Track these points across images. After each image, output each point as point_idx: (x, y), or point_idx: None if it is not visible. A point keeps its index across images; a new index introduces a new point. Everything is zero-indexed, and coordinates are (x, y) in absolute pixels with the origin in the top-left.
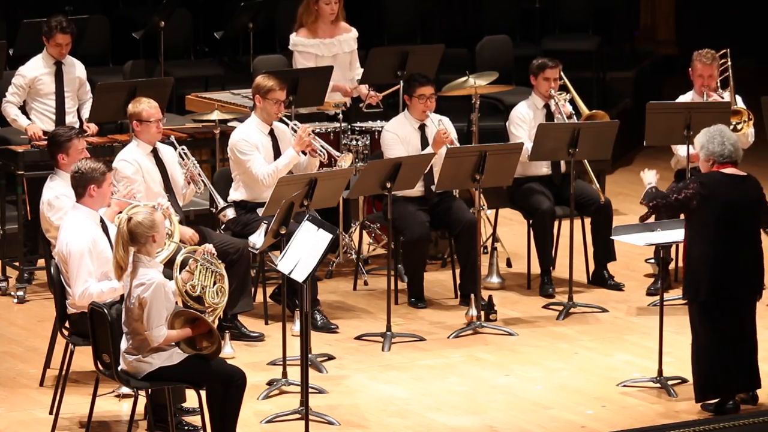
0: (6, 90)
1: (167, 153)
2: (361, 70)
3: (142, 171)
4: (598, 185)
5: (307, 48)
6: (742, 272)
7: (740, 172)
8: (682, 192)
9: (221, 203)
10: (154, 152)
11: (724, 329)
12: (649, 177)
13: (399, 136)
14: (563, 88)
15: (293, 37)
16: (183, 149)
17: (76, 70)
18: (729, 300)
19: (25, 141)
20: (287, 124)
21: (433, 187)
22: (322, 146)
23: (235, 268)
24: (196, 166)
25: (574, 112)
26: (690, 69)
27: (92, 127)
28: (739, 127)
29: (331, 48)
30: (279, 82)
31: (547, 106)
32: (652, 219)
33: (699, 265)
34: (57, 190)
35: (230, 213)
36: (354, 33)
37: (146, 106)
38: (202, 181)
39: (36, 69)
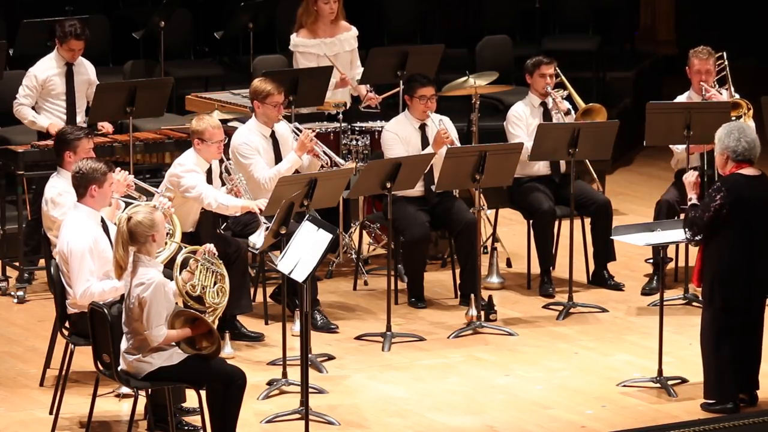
0: (6, 90)
1: (214, 167)
2: (362, 69)
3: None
4: (599, 185)
5: (308, 48)
6: (760, 275)
7: (756, 172)
8: (710, 208)
9: (263, 221)
10: (209, 171)
11: (735, 331)
12: (690, 186)
13: (399, 136)
14: (560, 85)
15: (294, 38)
16: (229, 164)
17: (87, 70)
18: (746, 303)
19: (26, 141)
20: (288, 125)
21: (433, 188)
22: (324, 152)
23: (233, 268)
24: (242, 182)
25: (571, 108)
26: (687, 67)
27: (107, 126)
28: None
29: (332, 47)
30: (276, 85)
31: (544, 104)
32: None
33: (721, 269)
34: (60, 188)
35: (258, 242)
36: (354, 32)
37: (209, 126)
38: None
39: (47, 69)
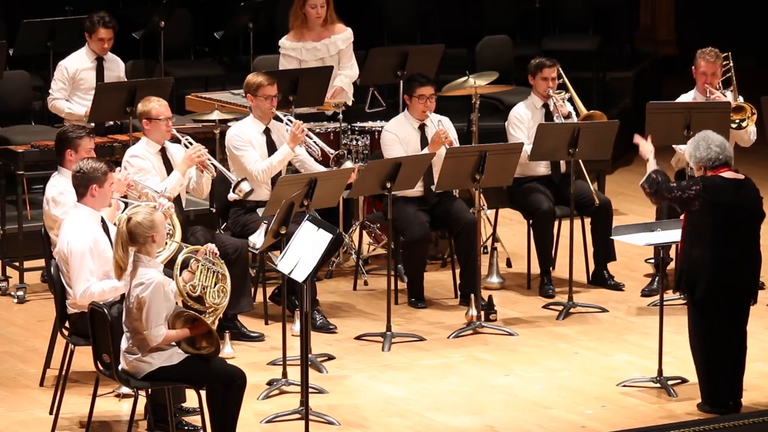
0: (6, 90)
1: (175, 153)
2: (354, 71)
3: (154, 168)
4: (593, 188)
5: (288, 51)
6: (741, 276)
7: (738, 176)
8: (685, 191)
9: (234, 179)
10: (162, 152)
11: (717, 330)
12: (651, 165)
13: (399, 137)
14: (562, 87)
15: (281, 40)
16: (187, 139)
17: (118, 67)
18: (725, 302)
19: (26, 141)
20: (281, 120)
21: (433, 188)
22: (315, 143)
23: (233, 269)
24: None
25: (572, 112)
26: (693, 67)
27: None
28: (744, 124)
29: (315, 53)
30: (268, 77)
31: (546, 106)
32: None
33: (697, 266)
34: (61, 186)
35: (245, 186)
36: (347, 33)
37: (156, 104)
38: (212, 164)
39: (78, 62)
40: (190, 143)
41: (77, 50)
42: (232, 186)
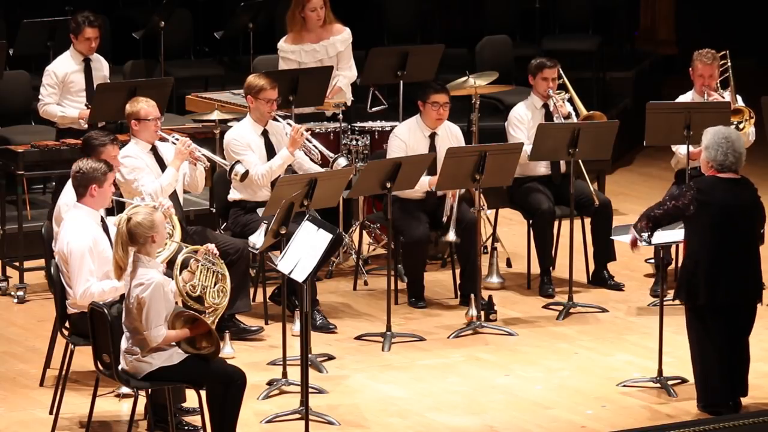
0: (7, 90)
1: (166, 151)
2: (353, 72)
3: (148, 167)
4: (592, 188)
5: (287, 54)
6: (740, 277)
7: (735, 175)
8: (679, 199)
9: (227, 164)
10: (154, 151)
11: (718, 334)
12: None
13: (407, 145)
14: (562, 87)
15: (279, 43)
16: (174, 136)
17: (103, 66)
18: (725, 305)
19: (26, 141)
20: (279, 120)
21: (433, 188)
22: (315, 146)
23: (234, 269)
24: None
25: (572, 112)
26: (690, 69)
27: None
28: (741, 126)
29: (314, 54)
30: (270, 81)
31: (546, 106)
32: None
33: (696, 270)
34: None
35: (240, 168)
36: (345, 34)
37: (144, 105)
38: (203, 155)
39: (66, 66)
40: (178, 139)
41: (62, 54)
42: (228, 171)
